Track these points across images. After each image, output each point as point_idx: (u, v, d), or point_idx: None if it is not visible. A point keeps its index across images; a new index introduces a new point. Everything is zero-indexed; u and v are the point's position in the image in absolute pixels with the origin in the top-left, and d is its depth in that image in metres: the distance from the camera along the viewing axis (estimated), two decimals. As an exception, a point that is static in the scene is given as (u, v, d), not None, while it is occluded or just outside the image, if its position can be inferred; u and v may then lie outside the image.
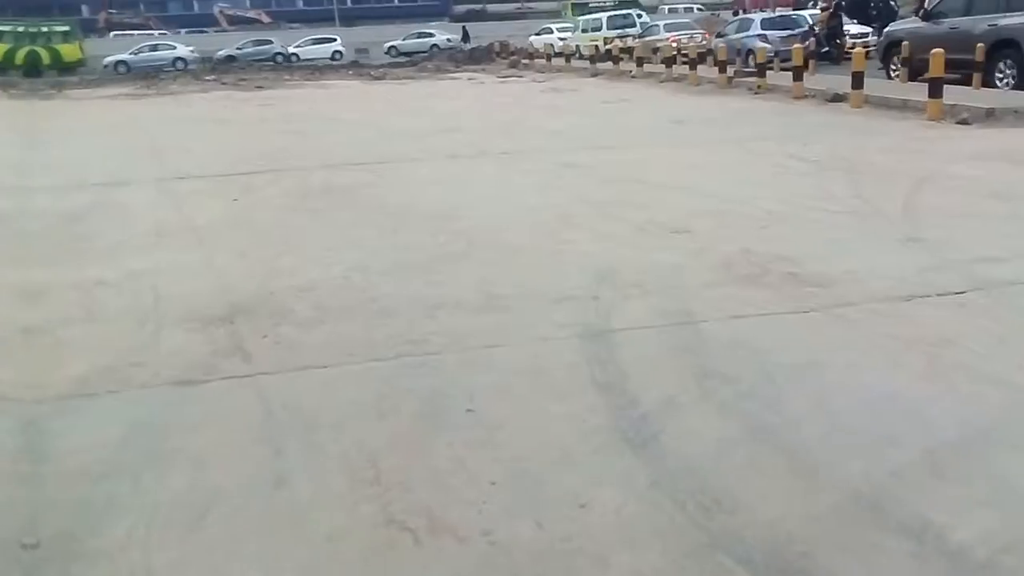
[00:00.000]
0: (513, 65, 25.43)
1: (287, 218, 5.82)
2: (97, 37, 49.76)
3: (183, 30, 54.92)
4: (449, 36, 40.47)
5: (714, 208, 5.60)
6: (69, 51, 30.93)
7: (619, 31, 26.41)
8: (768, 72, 14.18)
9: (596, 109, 12.67)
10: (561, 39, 29.95)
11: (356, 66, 28.81)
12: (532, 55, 26.70)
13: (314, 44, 38.18)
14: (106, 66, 31.48)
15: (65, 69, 29.05)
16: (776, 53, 16.10)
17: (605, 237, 4.98)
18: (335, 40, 39.10)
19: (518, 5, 65.21)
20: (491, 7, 65.84)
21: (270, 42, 37.93)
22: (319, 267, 4.55)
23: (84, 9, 59.14)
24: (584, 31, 28.81)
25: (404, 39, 40.38)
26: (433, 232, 5.22)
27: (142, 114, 14.48)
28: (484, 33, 40.17)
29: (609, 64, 21.13)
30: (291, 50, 37.35)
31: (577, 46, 26.11)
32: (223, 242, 5.19)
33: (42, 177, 7.81)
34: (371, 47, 39.33)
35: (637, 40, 24.07)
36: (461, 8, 67.57)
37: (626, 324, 3.50)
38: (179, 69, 30.77)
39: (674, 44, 21.06)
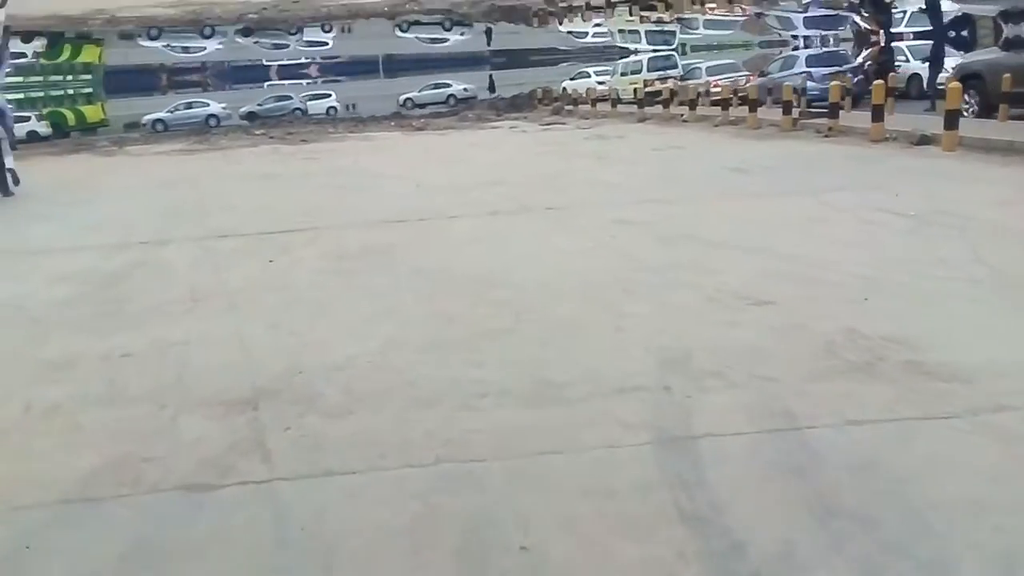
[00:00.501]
0: (556, 112, 25.40)
1: (322, 281, 5.58)
2: (160, 95, 51.29)
3: (238, 85, 56.32)
4: (466, 86, 40.60)
5: (796, 273, 4.96)
6: (92, 112, 32.24)
7: (660, 72, 25.81)
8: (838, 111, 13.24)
9: (647, 158, 12.34)
10: (599, 83, 29.36)
11: (398, 117, 29.13)
12: (576, 100, 26.58)
13: (311, 100, 38.09)
14: (144, 124, 32.46)
15: (88, 130, 30.13)
16: (819, 92, 15.40)
17: (671, 309, 4.45)
18: (330, 95, 38.72)
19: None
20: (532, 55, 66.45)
21: (289, 98, 38.48)
22: (353, 340, 4.26)
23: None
24: (623, 74, 28.13)
25: (420, 90, 40.54)
26: (475, 300, 4.91)
27: (193, 170, 14.67)
28: (524, 79, 40.50)
29: (658, 108, 20.69)
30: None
31: (616, 90, 25.48)
32: (256, 309, 4.96)
33: (93, 235, 7.82)
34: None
35: (679, 82, 23.51)
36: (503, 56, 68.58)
37: (711, 428, 2.93)
38: (212, 125, 31.49)
39: (716, 88, 20.52)
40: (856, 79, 16.67)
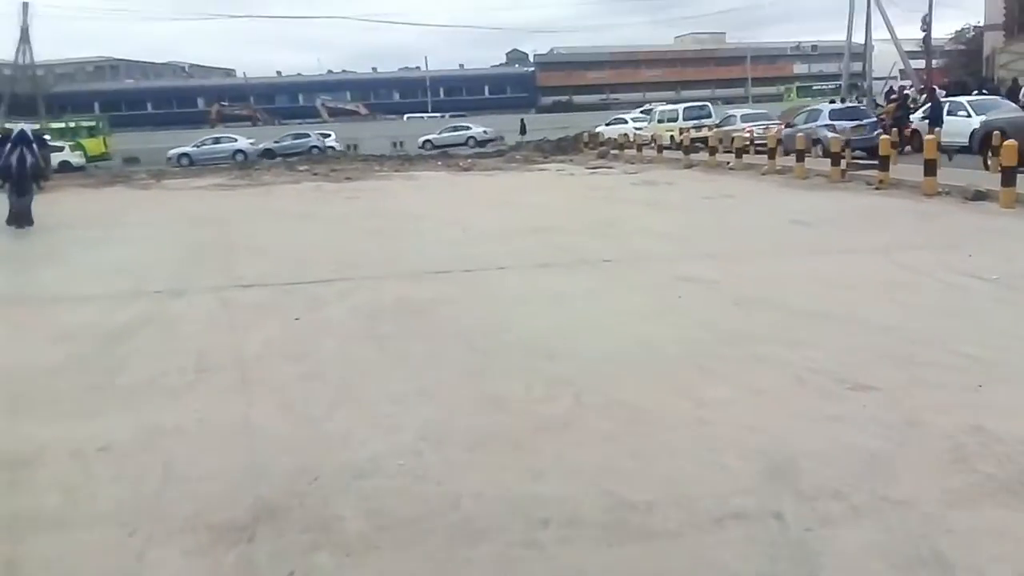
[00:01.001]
0: (602, 156, 24.68)
1: (351, 349, 4.76)
2: (209, 128, 52.02)
3: (292, 121, 57.07)
4: (485, 128, 40.12)
5: (893, 350, 4.24)
6: (94, 146, 32.76)
7: (695, 122, 26.48)
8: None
9: (700, 206, 11.45)
10: (637, 129, 30.13)
11: (445, 156, 28.71)
12: (621, 145, 25.93)
13: (293, 140, 37.66)
14: (170, 158, 32.44)
15: (89, 162, 30.48)
16: (848, 143, 15.56)
17: (758, 394, 3.71)
18: (330, 135, 38.69)
19: (603, 96, 65.75)
20: (576, 98, 66.63)
21: (308, 135, 38.08)
22: (381, 432, 3.42)
23: (200, 102, 62.72)
24: (660, 122, 28.91)
25: (440, 132, 40.28)
26: (527, 379, 4.04)
27: (228, 207, 14.15)
28: (569, 124, 40.19)
29: (704, 155, 20.03)
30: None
31: (653, 136, 25.96)
32: (270, 384, 4.15)
33: (106, 282, 7.14)
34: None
35: (714, 130, 23.70)
36: (548, 100, 68.74)
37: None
38: (238, 161, 31.19)
39: (748, 135, 20.92)
40: (875, 132, 17.09)
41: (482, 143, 36.70)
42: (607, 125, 33.94)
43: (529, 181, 17.62)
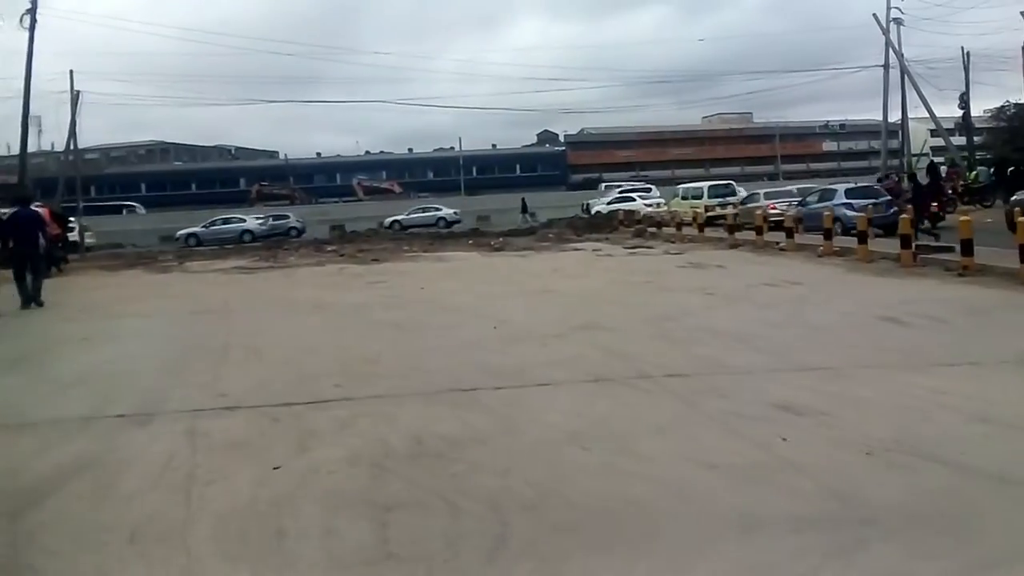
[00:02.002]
0: (638, 234, 23.41)
1: (343, 524, 3.32)
2: (248, 206, 52.44)
3: (330, 200, 57.31)
4: (456, 210, 40.33)
5: None
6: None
7: (720, 199, 26.76)
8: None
9: (764, 297, 9.94)
10: (647, 205, 30.64)
11: (476, 234, 27.70)
12: (659, 223, 24.73)
13: (274, 221, 38.02)
14: (177, 239, 32.00)
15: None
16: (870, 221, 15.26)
17: None
18: (288, 217, 39.26)
19: (632, 174, 65.39)
20: (606, 175, 66.35)
21: (287, 217, 38.66)
22: None
23: (242, 182, 63.53)
24: (685, 198, 29.04)
25: (408, 213, 39.84)
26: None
27: (238, 294, 12.89)
28: (596, 200, 39.68)
29: (750, 234, 18.70)
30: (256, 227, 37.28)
31: (675, 212, 26.33)
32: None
33: (63, 399, 5.83)
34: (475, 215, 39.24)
35: (739, 207, 23.92)
36: (578, 177, 68.43)
37: None
38: (246, 241, 31.27)
39: (773, 210, 21.34)
40: (891, 210, 17.29)
41: (450, 224, 36.83)
42: (607, 204, 33.21)
43: (565, 263, 16.26)
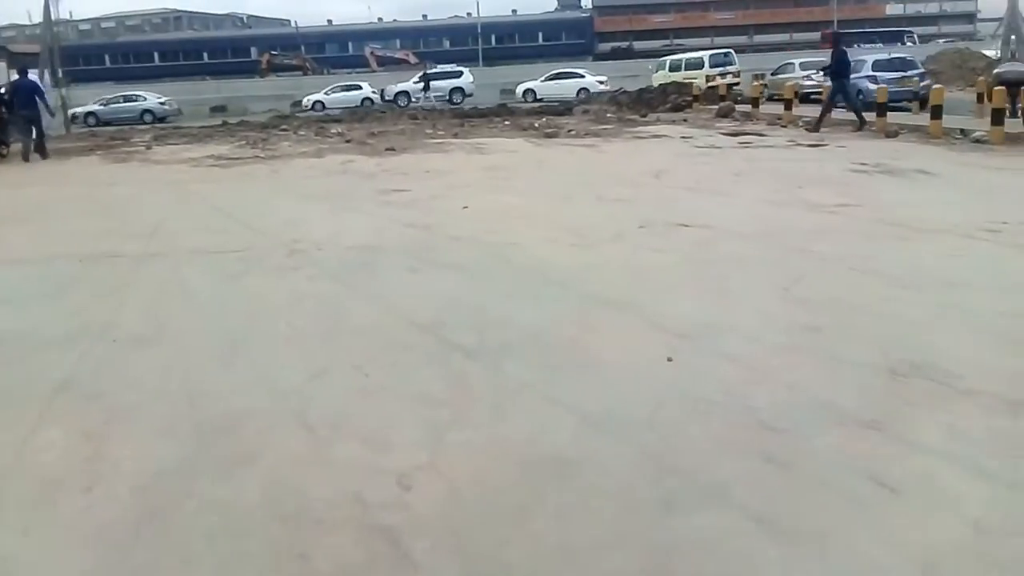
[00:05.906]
0: (724, 114, 18.14)
1: None
2: (259, 78, 47.97)
3: (342, 70, 52.52)
4: (376, 88, 33.86)
5: None
6: None
7: (720, 68, 25.48)
8: None
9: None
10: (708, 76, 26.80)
11: (511, 114, 22.38)
12: (736, 99, 19.55)
13: (343, 92, 32.98)
14: (76, 117, 26.96)
15: None
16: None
17: None
18: (361, 87, 33.89)
19: (667, 42, 58.01)
20: (638, 44, 59.17)
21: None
22: None
23: (252, 51, 58.26)
24: (674, 70, 27.15)
25: (326, 92, 33.59)
26: None
27: (185, 214, 8.00)
28: (627, 72, 33.80)
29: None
30: (315, 98, 32.81)
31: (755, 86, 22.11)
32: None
33: None
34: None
35: (768, 78, 22.34)
36: (606, 46, 61.20)
37: None
38: (147, 121, 27.33)
39: (808, 83, 19.57)
40: (924, 83, 16.34)
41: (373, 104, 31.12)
42: (669, 71, 27.47)
43: (659, 160, 10.95)
